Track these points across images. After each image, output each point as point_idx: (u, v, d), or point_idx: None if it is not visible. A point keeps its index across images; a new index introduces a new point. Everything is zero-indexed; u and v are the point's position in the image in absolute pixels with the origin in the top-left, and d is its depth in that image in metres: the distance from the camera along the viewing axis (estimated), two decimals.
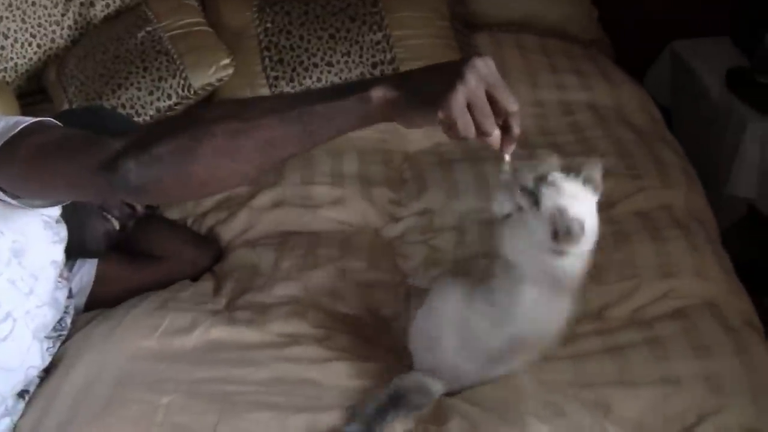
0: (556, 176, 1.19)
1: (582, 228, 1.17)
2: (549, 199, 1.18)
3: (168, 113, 2.23)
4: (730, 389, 1.34)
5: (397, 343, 1.52)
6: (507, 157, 1.09)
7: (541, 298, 1.25)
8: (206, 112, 1.05)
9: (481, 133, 1.01)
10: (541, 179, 1.19)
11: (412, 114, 1.01)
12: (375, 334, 1.58)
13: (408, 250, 1.81)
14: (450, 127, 1.00)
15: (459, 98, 0.97)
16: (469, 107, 0.99)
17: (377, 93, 0.99)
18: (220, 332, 1.55)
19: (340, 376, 1.45)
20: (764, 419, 1.28)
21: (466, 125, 0.99)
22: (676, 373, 1.41)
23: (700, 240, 1.75)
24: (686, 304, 1.57)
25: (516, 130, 1.05)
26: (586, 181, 1.20)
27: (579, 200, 1.19)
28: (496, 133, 1.04)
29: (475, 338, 1.32)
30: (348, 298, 1.65)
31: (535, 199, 1.18)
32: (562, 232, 1.16)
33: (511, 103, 1.02)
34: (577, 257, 1.21)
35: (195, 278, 1.78)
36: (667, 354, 1.45)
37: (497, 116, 1.02)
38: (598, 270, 1.59)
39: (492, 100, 1.01)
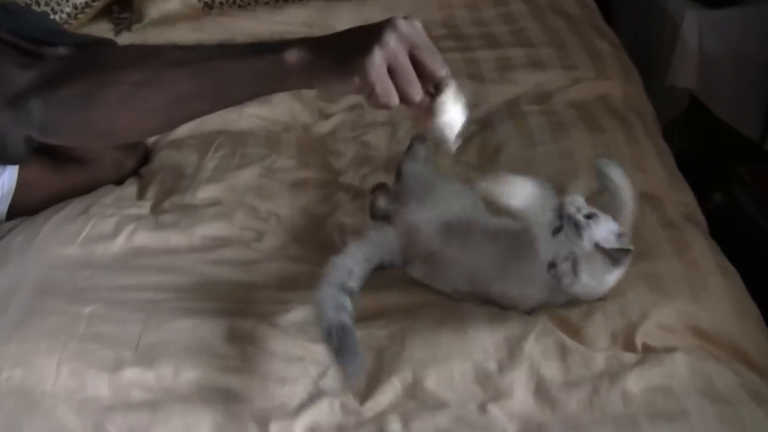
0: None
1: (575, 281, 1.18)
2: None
3: (85, 10, 2.15)
4: (670, 289, 1.29)
5: (331, 241, 1.49)
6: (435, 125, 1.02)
7: None
8: (115, 56, 1.00)
9: (406, 100, 0.94)
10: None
11: (329, 80, 0.95)
12: (307, 233, 1.54)
13: (339, 146, 1.77)
14: (369, 94, 0.93)
15: (375, 61, 0.90)
16: (391, 72, 0.92)
17: (291, 56, 0.93)
18: (145, 237, 1.50)
19: (270, 278, 1.41)
20: (705, 317, 1.26)
21: (385, 91, 0.92)
22: None
23: (639, 132, 1.72)
24: None
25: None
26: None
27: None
28: (425, 101, 0.97)
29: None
30: (277, 197, 1.60)
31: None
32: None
33: (439, 67, 0.95)
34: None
35: (120, 182, 1.71)
36: None
37: (424, 82, 0.95)
38: (533, 161, 1.59)
39: (417, 64, 0.93)
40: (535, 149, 1.63)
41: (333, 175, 1.69)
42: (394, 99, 0.94)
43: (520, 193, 1.21)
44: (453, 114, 1.02)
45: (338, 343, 1.14)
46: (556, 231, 1.18)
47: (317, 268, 1.40)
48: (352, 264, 1.29)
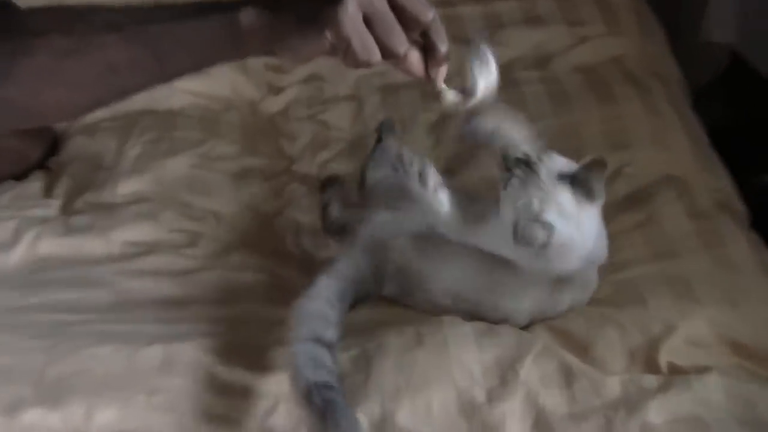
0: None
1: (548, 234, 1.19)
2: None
3: None
4: (700, 294, 1.29)
5: (283, 245, 1.49)
6: (443, 86, 1.03)
7: None
8: (32, 20, 0.99)
9: (389, 54, 0.94)
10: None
11: (295, 42, 0.95)
12: (253, 235, 1.53)
13: (293, 128, 1.76)
14: (345, 51, 0.92)
15: (349, 9, 0.91)
16: (367, 22, 0.91)
17: (246, 17, 0.94)
18: (52, 245, 1.48)
19: (206, 292, 1.39)
20: (744, 328, 1.25)
21: (364, 45, 0.91)
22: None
23: (661, 100, 1.72)
24: (644, 183, 1.54)
25: (441, 47, 0.99)
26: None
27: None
28: (415, 56, 0.97)
29: None
30: (217, 191, 1.59)
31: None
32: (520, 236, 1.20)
33: (423, 9, 0.95)
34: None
35: (22, 176, 1.68)
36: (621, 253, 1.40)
37: (408, 29, 0.95)
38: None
39: (397, 8, 0.93)
40: (531, 125, 1.61)
41: (285, 162, 1.68)
42: (375, 54, 0.93)
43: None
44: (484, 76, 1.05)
45: (323, 404, 1.09)
46: (506, 180, 1.22)
47: (266, 278, 1.41)
48: (325, 308, 1.24)
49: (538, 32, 1.90)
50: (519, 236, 1.20)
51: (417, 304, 1.31)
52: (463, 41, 1.11)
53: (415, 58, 0.99)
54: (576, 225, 1.21)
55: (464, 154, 1.58)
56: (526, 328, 1.26)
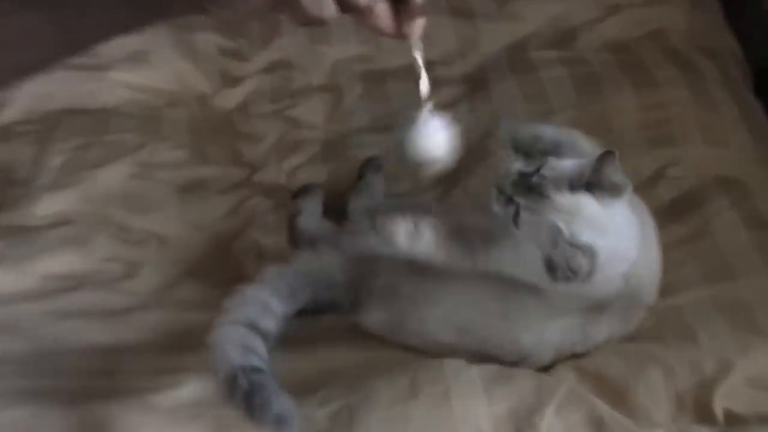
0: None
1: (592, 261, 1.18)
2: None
3: None
4: (765, 323, 1.29)
5: (242, 273, 1.47)
6: (418, 47, 1.05)
7: None
8: None
9: (347, 5, 0.95)
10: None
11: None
12: (206, 262, 1.54)
13: (255, 127, 1.77)
14: (292, 6, 0.94)
15: None
16: None
17: None
18: None
19: (149, 335, 1.39)
20: None
21: None
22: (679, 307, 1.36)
23: (714, 84, 1.73)
24: (692, 187, 1.54)
25: None
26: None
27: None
28: (382, 7, 0.98)
29: None
30: (159, 209, 1.60)
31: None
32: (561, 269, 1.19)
33: None
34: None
35: None
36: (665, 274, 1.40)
37: None
38: None
39: None
40: (551, 118, 1.62)
41: (245, 171, 1.69)
42: (328, 5, 0.94)
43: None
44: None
45: (249, 387, 1.15)
46: (515, 217, 1.21)
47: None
48: (268, 296, 1.29)
49: (557, 2, 1.90)
50: (558, 273, 1.18)
51: (410, 338, 1.31)
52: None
53: (382, 10, 0.99)
54: (614, 233, 1.21)
55: (471, 157, 1.58)
56: (548, 368, 1.26)
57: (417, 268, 1.31)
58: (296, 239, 1.48)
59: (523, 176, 1.21)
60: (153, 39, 1.88)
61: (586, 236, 1.18)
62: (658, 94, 1.68)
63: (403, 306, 1.32)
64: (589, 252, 1.17)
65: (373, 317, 1.34)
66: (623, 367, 1.24)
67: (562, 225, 1.18)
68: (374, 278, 1.34)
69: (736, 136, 1.63)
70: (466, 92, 1.75)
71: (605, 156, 1.18)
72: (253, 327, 1.24)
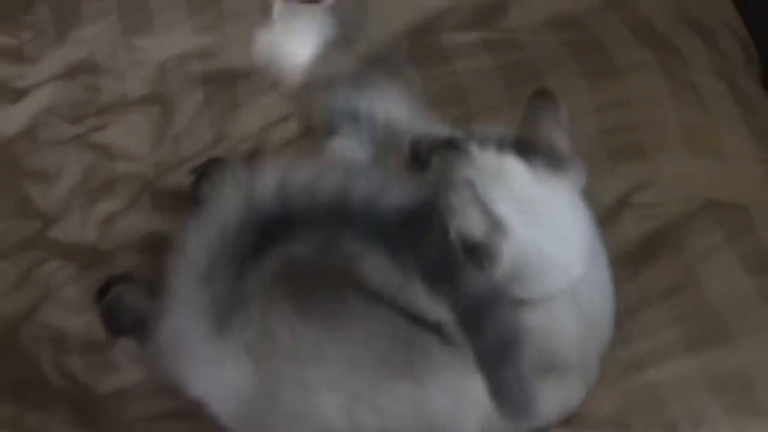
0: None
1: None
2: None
3: None
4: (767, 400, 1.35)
5: (35, 370, 1.53)
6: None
7: None
8: None
9: None
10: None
11: None
12: None
13: (48, 160, 1.79)
14: None
15: None
16: None
17: None
18: None
19: None
20: None
21: None
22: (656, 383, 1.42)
23: (701, 71, 1.79)
24: (672, 217, 1.59)
25: None
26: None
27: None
28: None
29: None
30: None
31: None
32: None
33: None
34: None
35: None
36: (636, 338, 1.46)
37: None
38: None
39: None
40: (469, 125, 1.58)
41: (35, 224, 1.72)
42: None
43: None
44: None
45: None
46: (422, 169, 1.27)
47: None
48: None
49: None
50: (468, 256, 1.20)
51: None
52: None
53: None
54: (548, 223, 1.26)
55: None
56: None
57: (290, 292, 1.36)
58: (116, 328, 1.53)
59: (446, 137, 1.28)
60: None
61: (501, 207, 1.23)
62: (622, 86, 1.72)
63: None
64: (499, 227, 1.22)
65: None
66: None
67: (475, 182, 1.22)
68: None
69: (733, 142, 1.67)
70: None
71: (540, 98, 1.26)
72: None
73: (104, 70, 1.88)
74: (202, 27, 1.89)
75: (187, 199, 1.60)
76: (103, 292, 1.54)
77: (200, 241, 1.29)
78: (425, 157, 1.26)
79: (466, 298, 1.13)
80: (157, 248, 1.58)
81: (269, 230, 1.25)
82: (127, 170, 1.77)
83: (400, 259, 1.18)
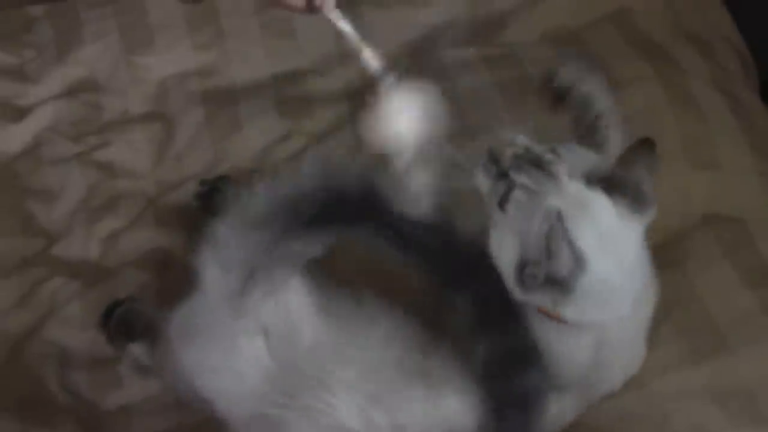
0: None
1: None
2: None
3: None
4: None
5: (40, 386, 1.53)
6: (335, 14, 1.14)
7: None
8: None
9: None
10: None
11: None
12: None
13: (51, 178, 1.80)
14: None
15: None
16: None
17: None
18: None
19: None
20: None
21: None
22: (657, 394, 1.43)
23: (699, 82, 1.79)
24: (666, 230, 1.60)
25: None
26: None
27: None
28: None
29: None
30: None
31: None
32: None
33: None
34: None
35: None
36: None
37: None
38: None
39: None
40: (469, 144, 1.58)
41: (39, 241, 1.72)
42: None
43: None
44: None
45: None
46: (504, 196, 1.26)
47: None
48: None
49: None
50: (529, 270, 1.22)
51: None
52: None
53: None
54: (618, 260, 1.25)
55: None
56: None
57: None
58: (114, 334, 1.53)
59: (530, 151, 1.26)
60: None
61: (584, 242, 1.23)
62: (621, 99, 1.65)
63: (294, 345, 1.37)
64: (580, 261, 1.22)
65: None
66: None
67: (563, 213, 1.22)
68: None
69: (732, 154, 1.68)
70: (350, 112, 1.79)
71: (641, 148, 1.25)
72: None
73: (105, 88, 1.88)
74: (202, 45, 1.89)
75: (190, 216, 1.61)
76: (108, 315, 1.54)
77: (227, 234, 1.32)
78: (504, 169, 1.26)
79: (485, 304, 1.18)
80: (159, 265, 1.60)
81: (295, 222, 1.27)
82: (129, 188, 1.77)
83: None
